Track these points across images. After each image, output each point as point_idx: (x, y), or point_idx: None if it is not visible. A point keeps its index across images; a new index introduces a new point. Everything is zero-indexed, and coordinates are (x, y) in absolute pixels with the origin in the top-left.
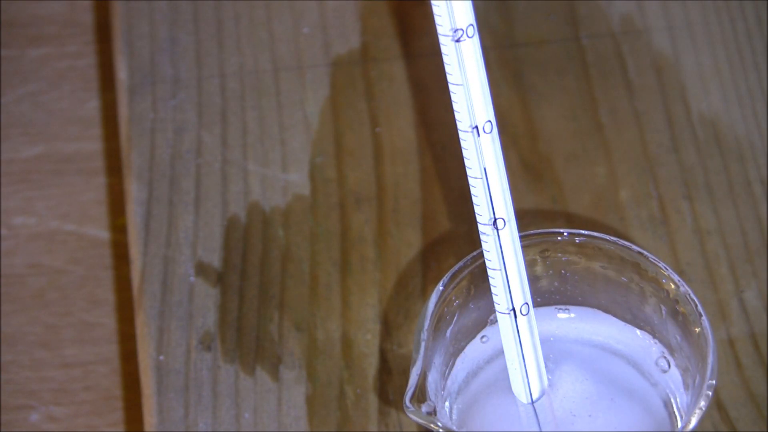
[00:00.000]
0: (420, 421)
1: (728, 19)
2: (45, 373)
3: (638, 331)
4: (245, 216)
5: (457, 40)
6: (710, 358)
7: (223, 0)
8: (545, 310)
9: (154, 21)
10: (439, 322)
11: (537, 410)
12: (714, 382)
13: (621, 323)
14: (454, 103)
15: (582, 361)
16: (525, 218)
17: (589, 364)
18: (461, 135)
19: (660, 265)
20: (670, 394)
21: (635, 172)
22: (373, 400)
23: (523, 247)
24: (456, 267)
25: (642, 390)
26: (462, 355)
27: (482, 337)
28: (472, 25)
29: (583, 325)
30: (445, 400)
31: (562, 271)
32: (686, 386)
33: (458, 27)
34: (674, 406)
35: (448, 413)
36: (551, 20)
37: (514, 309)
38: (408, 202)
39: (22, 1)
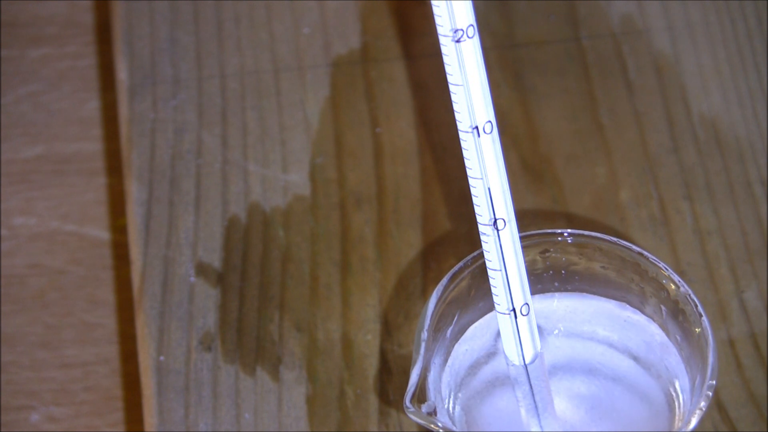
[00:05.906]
0: (420, 421)
1: (728, 19)
2: (45, 373)
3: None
4: (245, 216)
5: (458, 41)
6: (710, 359)
7: (224, 0)
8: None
9: (154, 21)
10: (440, 322)
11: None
12: (714, 382)
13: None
14: (454, 104)
15: (583, 356)
16: (525, 218)
17: (590, 360)
18: (461, 135)
19: (660, 265)
20: (671, 388)
21: (635, 172)
22: (373, 401)
23: (524, 248)
24: (456, 267)
25: (644, 384)
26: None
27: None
28: (472, 25)
29: (584, 318)
30: (446, 401)
31: (563, 272)
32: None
33: (458, 27)
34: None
35: (448, 413)
36: (551, 20)
37: (514, 309)
38: (408, 202)
39: (22, 1)
